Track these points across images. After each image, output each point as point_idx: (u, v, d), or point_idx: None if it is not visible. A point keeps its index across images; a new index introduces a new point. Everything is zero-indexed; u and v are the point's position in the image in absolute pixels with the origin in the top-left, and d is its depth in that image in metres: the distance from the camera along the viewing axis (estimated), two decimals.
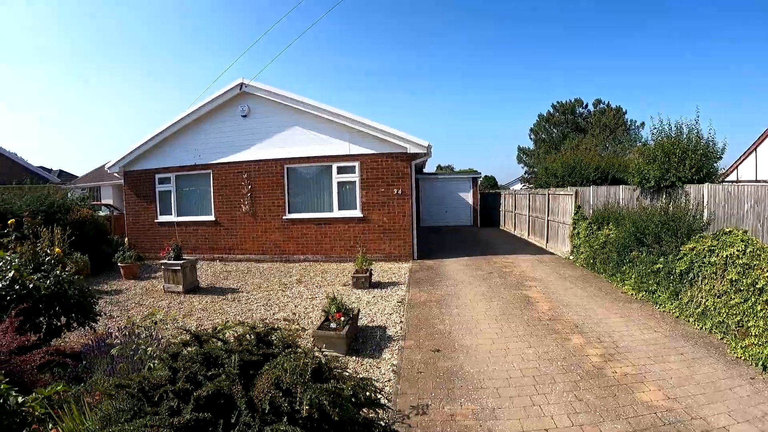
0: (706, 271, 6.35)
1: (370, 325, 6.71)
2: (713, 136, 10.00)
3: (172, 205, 13.88)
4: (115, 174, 14.83)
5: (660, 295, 7.21)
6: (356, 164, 11.83)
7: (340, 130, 11.84)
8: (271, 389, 2.02)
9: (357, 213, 11.91)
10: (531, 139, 41.83)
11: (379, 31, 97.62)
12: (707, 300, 6.14)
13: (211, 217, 13.30)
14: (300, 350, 2.53)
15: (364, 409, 2.55)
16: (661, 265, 7.42)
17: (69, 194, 14.34)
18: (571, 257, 11.58)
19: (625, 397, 4.12)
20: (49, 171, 27.01)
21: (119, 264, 11.12)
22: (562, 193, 12.87)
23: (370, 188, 11.76)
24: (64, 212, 11.93)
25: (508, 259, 11.81)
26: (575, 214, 11.79)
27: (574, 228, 11.69)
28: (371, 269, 9.48)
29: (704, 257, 6.48)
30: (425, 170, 25.37)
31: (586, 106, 40.25)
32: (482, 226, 21.72)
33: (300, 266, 11.79)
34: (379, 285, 9.25)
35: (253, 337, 2.62)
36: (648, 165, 10.11)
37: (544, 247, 14.03)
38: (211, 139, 13.17)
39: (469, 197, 21.98)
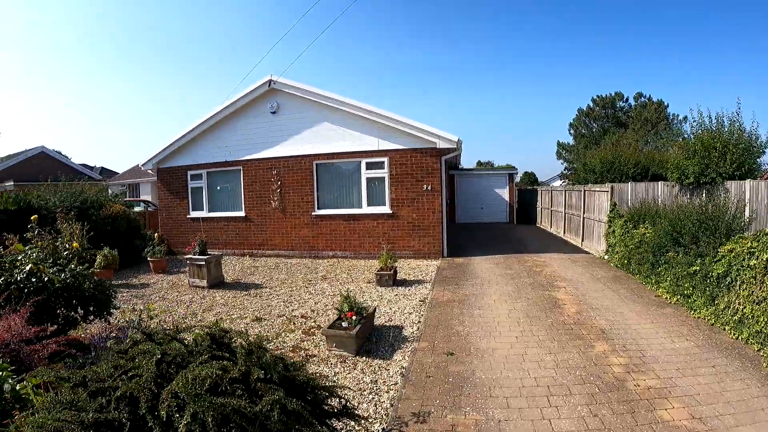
0: (745, 275, 6.14)
1: (387, 324, 6.80)
2: (756, 130, 9.57)
3: (204, 201, 14.45)
4: (149, 171, 15.53)
5: (695, 300, 7.01)
6: (385, 160, 11.96)
7: (368, 125, 11.98)
8: (168, 398, 1.90)
9: (386, 209, 12.05)
10: (570, 134, 40.81)
11: (419, 25, 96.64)
12: (745, 307, 5.94)
13: (241, 213, 13.76)
14: (268, 355, 2.39)
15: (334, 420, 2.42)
16: (698, 268, 7.21)
17: (107, 191, 15.16)
18: (605, 257, 11.34)
19: (645, 414, 3.89)
20: (91, 168, 28.51)
21: (148, 258, 11.65)
22: (597, 189, 12.58)
23: (399, 184, 11.87)
24: (97, 208, 12.58)
25: (540, 257, 11.68)
26: (611, 211, 11.52)
27: (610, 226, 11.43)
28: (396, 266, 9.60)
29: (743, 260, 6.26)
30: (462, 166, 25.29)
31: (627, 99, 38.94)
32: (518, 224, 21.48)
33: (328, 262, 12.06)
34: (404, 283, 9.37)
35: (207, 341, 2.46)
36: (687, 160, 9.78)
37: (580, 245, 13.77)
38: (240, 135, 13.60)
39: (505, 193, 21.77)
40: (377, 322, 6.80)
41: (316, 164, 12.75)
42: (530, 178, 40.30)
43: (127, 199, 19.03)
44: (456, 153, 11.93)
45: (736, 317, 6.05)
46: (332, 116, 12.34)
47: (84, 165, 26.72)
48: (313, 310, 7.64)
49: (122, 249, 11.84)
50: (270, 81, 12.79)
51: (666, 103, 35.80)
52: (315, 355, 5.52)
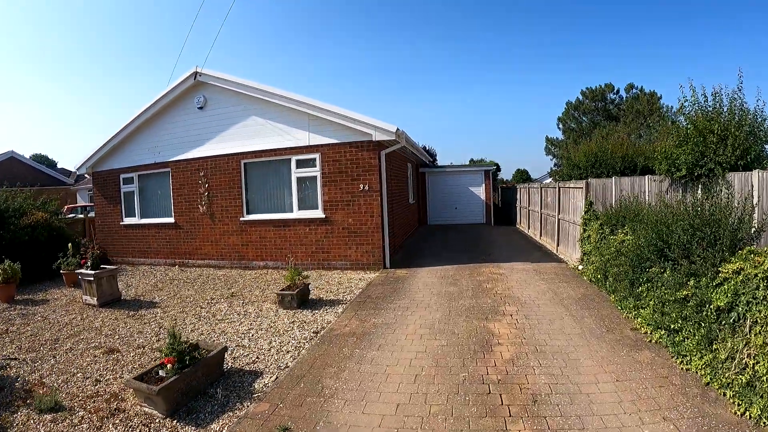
0: (759, 311, 3.71)
1: (247, 367, 4.78)
2: (762, 110, 7.05)
3: (136, 206, 12.33)
4: (86, 175, 13.46)
5: (685, 340, 4.57)
6: (317, 156, 9.65)
7: (298, 118, 9.70)
8: None
9: (318, 213, 9.74)
10: (559, 128, 37.67)
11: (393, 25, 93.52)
12: (758, 362, 3.52)
13: (171, 219, 11.61)
14: None
15: None
16: (690, 292, 4.79)
17: (57, 197, 13.41)
18: (579, 267, 8.86)
19: None
20: (69, 174, 26.73)
21: (61, 271, 9.82)
22: (572, 186, 10.10)
23: (333, 184, 9.55)
24: (18, 216, 11.00)
25: (501, 268, 9.23)
26: (586, 212, 9.06)
27: (584, 230, 8.97)
28: (308, 283, 7.32)
29: (756, 288, 3.84)
30: (439, 164, 22.80)
31: (618, 91, 35.47)
32: (497, 225, 18.84)
33: (255, 274, 9.84)
34: (315, 304, 7.11)
35: None
36: (678, 148, 7.32)
37: (554, 251, 11.29)
38: (169, 134, 11.47)
39: (481, 192, 19.11)
40: (240, 362, 4.93)
41: (245, 164, 10.51)
42: (523, 175, 37.35)
43: (75, 205, 17.08)
44: (397, 146, 9.57)
45: (743, 377, 3.62)
46: (261, 109, 10.09)
47: (63, 170, 24.93)
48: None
49: (41, 260, 10.42)
50: (195, 73, 10.62)
51: (659, 95, 32.55)
52: (124, 411, 3.90)
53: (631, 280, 6.30)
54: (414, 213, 16.76)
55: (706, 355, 4.22)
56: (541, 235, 13.36)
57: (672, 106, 32.25)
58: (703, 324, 4.40)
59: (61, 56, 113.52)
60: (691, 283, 4.88)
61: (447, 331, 5.51)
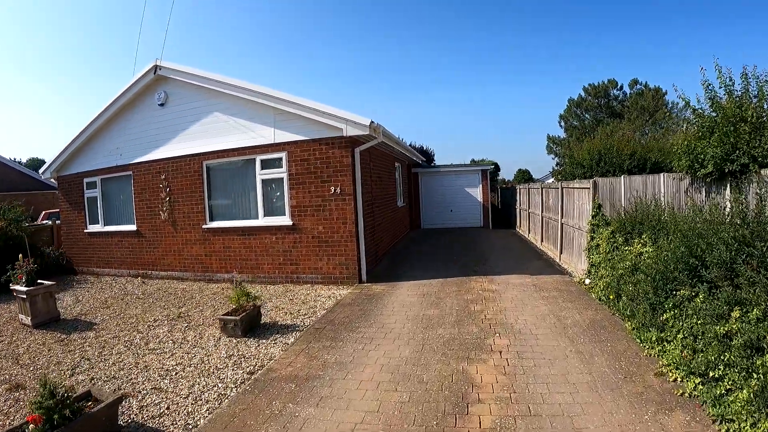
0: None
1: (148, 424, 3.67)
2: None
3: (99, 213, 11.11)
4: (52, 180, 12.27)
5: (729, 396, 3.18)
6: (283, 156, 8.33)
7: (262, 112, 8.40)
8: None
9: (286, 220, 8.42)
10: (561, 126, 35.87)
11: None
12: None
13: (133, 227, 10.34)
14: None
15: None
16: (735, 327, 3.44)
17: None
18: (586, 281, 7.44)
19: None
20: None
21: (10, 286, 8.58)
22: (577, 186, 8.69)
23: (301, 187, 8.23)
24: None
25: (494, 282, 7.83)
26: (593, 216, 7.65)
27: (592, 237, 7.56)
28: (258, 305, 6.02)
29: None
30: (436, 164, 21.37)
31: (621, 87, 33.54)
32: (496, 228, 17.35)
33: (217, 288, 8.59)
34: (263, 330, 5.82)
35: None
36: (701, 140, 5.90)
37: (557, 259, 9.87)
38: (131, 134, 10.25)
39: (477, 193, 17.63)
40: (145, 414, 3.85)
41: (207, 165, 9.22)
42: (524, 175, 35.56)
43: (52, 210, 15.98)
44: (374, 141, 8.23)
45: None
46: (223, 104, 8.81)
47: None
48: (92, 379, 4.71)
49: None
50: (156, 67, 9.39)
51: (664, 90, 30.77)
52: None
53: (652, 303, 4.90)
54: (404, 217, 15.34)
55: (763, 421, 2.85)
56: (542, 241, 11.92)
57: (678, 103, 30.60)
58: (755, 375, 3.03)
59: (64, 57, 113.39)
60: (736, 314, 3.52)
61: (414, 377, 4.15)
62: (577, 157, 13.19)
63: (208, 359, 5.00)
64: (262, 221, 8.61)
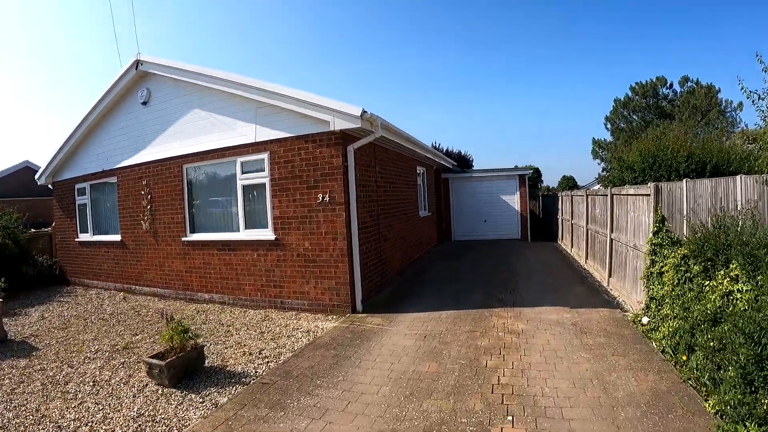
0: None
1: None
2: None
3: (89, 221, 10.30)
4: (49, 186, 11.62)
5: None
6: (265, 157, 7.00)
7: (243, 106, 7.12)
8: None
9: (268, 234, 7.06)
10: (607, 129, 32.66)
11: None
12: None
13: (118, 237, 9.39)
14: None
15: None
16: None
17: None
18: (644, 320, 5.57)
19: None
20: None
21: None
22: (632, 192, 6.79)
23: (285, 193, 6.85)
24: None
25: (522, 319, 6.06)
26: (655, 233, 5.77)
27: (653, 262, 5.70)
28: (201, 345, 4.68)
29: None
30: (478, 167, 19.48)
31: (671, 85, 30.03)
32: (535, 239, 15.27)
33: (192, 311, 7.36)
34: (203, 378, 4.50)
35: None
36: None
37: (605, 284, 7.96)
38: (115, 137, 9.38)
39: (515, 201, 15.61)
40: None
41: (186, 169, 8.07)
42: (569, 182, 32.70)
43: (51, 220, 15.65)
44: (372, 137, 6.71)
45: None
46: (205, 99, 7.62)
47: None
48: None
49: None
50: (137, 62, 8.39)
51: (717, 88, 27.21)
52: None
53: (748, 375, 3.13)
54: (429, 228, 13.60)
55: None
56: (586, 259, 9.95)
57: (732, 101, 27.05)
58: None
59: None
60: None
61: None
62: (627, 160, 11.16)
63: (113, 417, 3.75)
64: (243, 234, 7.31)
